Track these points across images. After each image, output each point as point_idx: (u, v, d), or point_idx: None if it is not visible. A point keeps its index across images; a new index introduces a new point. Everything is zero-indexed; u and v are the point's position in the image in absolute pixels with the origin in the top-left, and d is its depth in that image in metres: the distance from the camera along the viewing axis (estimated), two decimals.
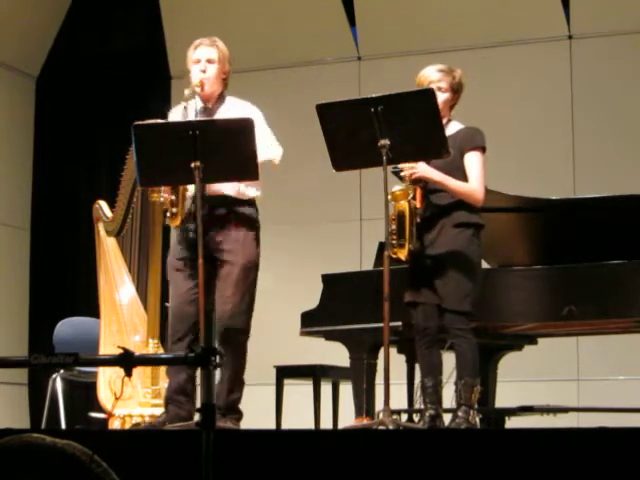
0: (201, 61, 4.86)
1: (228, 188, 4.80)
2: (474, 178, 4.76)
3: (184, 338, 4.81)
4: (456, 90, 4.85)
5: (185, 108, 4.78)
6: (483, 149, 4.81)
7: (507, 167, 7.52)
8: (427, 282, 4.76)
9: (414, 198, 4.70)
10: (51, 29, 9.20)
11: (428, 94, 4.55)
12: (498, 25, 8.21)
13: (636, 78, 7.91)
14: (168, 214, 4.75)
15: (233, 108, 4.89)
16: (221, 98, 4.93)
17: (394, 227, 4.65)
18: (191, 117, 4.74)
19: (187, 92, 4.77)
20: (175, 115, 4.93)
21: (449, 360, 4.84)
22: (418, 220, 4.71)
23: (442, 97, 4.77)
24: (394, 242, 4.65)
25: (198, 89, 4.81)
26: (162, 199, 4.78)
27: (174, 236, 4.97)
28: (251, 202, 4.88)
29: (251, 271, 4.85)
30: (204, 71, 4.84)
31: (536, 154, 8.00)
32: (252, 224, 4.86)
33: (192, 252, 4.76)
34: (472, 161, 4.78)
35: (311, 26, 8.66)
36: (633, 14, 7.89)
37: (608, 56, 7.99)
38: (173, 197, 4.71)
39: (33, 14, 8.93)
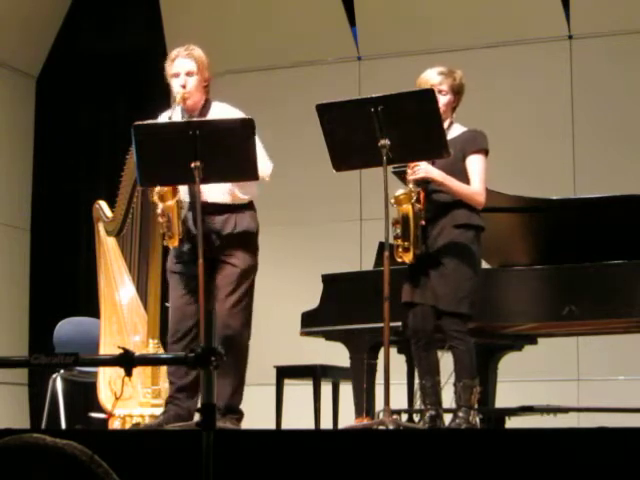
0: (180, 75, 4.83)
1: (222, 196, 4.77)
2: (476, 180, 4.75)
3: (184, 338, 4.82)
4: (457, 92, 4.85)
5: (170, 119, 4.75)
6: (486, 152, 4.81)
7: (507, 167, 7.51)
8: (425, 282, 4.75)
9: (418, 201, 4.69)
10: (51, 29, 9.20)
11: (428, 94, 4.55)
12: (498, 25, 8.21)
13: (636, 78, 7.91)
14: (165, 237, 4.75)
15: (219, 115, 4.84)
16: (206, 106, 4.89)
17: (399, 231, 4.64)
18: None
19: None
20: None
21: (448, 360, 4.84)
22: (422, 223, 4.70)
23: (443, 100, 4.76)
24: (399, 246, 4.64)
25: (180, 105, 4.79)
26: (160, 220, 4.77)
27: None
28: (249, 204, 4.88)
29: (250, 273, 4.84)
30: (184, 86, 4.81)
31: (536, 154, 8.00)
32: (251, 226, 4.85)
33: (191, 255, 4.75)
34: (474, 163, 4.78)
35: (311, 26, 8.65)
36: (633, 14, 7.90)
37: (608, 56, 7.99)
38: (166, 220, 4.68)
39: (33, 14, 8.93)
